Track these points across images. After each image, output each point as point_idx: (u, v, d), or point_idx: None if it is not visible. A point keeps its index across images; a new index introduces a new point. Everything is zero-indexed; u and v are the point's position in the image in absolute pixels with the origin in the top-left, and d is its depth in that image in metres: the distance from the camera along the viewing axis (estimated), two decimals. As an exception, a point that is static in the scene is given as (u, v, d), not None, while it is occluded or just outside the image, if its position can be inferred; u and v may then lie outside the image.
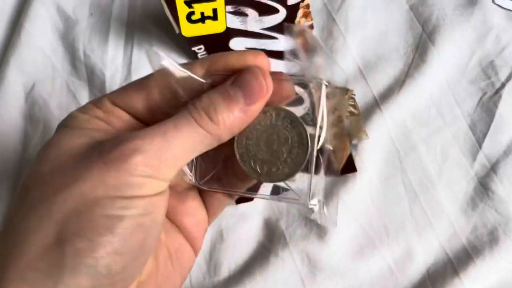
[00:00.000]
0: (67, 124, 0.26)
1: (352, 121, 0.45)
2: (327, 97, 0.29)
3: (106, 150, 0.23)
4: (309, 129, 0.28)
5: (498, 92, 0.46)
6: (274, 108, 0.28)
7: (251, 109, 0.25)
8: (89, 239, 0.21)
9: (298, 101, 0.32)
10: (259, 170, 0.28)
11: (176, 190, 0.30)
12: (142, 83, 0.27)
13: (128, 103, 0.26)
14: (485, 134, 0.45)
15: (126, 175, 0.22)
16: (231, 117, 0.25)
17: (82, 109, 0.26)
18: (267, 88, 0.26)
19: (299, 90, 0.30)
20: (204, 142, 0.25)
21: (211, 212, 0.32)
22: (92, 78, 0.48)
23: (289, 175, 0.28)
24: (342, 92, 0.47)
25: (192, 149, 0.25)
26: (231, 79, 0.26)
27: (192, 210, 0.30)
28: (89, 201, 0.22)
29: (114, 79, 0.48)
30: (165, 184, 0.24)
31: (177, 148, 0.24)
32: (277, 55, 0.46)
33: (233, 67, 0.26)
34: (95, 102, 0.26)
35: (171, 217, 0.30)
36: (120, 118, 0.26)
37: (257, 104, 0.26)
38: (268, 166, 0.28)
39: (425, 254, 0.43)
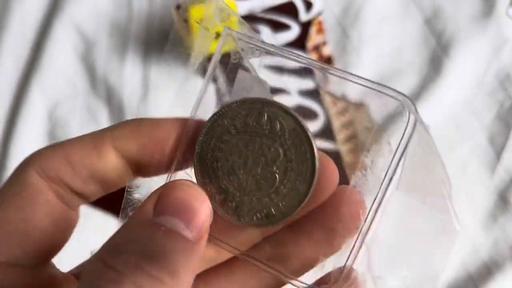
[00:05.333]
0: None
1: (366, 136, 0.45)
2: (341, 112, 0.27)
3: None
4: (325, 145, 0.26)
5: (515, 104, 0.46)
6: (248, 101, 0.18)
7: (203, 239, 0.17)
8: None
9: (312, 114, 0.30)
10: (231, 210, 0.18)
11: None
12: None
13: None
14: (503, 147, 0.45)
15: None
16: (184, 264, 0.16)
17: None
18: (203, 197, 0.17)
19: (311, 103, 0.25)
20: None
21: None
22: (111, 97, 0.49)
23: (286, 215, 0.18)
24: (356, 107, 0.48)
25: None
26: (148, 203, 0.17)
27: None
28: None
29: (132, 98, 0.49)
30: None
31: None
32: (291, 72, 0.46)
33: None
34: None
35: None
36: None
37: (205, 227, 0.17)
38: (248, 201, 0.18)
39: (445, 270, 0.43)
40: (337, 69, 0.18)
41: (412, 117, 0.17)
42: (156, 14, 0.51)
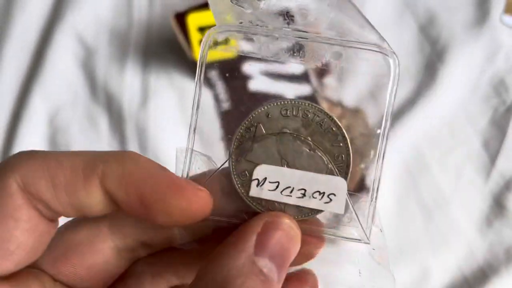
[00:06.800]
0: None
1: (363, 142, 0.45)
2: (338, 118, 0.27)
3: None
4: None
5: (509, 109, 0.46)
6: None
7: (281, 280, 0.17)
8: None
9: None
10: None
11: None
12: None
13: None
14: (498, 152, 0.45)
15: None
16: None
17: None
18: (299, 240, 0.18)
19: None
20: None
21: None
22: (111, 104, 0.50)
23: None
24: (353, 113, 0.48)
25: None
26: (249, 237, 0.17)
27: None
28: None
29: (131, 105, 0.49)
30: None
31: None
32: (289, 78, 0.47)
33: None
34: None
35: None
36: None
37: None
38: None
39: (441, 274, 0.43)
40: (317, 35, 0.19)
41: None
42: (155, 22, 0.52)
